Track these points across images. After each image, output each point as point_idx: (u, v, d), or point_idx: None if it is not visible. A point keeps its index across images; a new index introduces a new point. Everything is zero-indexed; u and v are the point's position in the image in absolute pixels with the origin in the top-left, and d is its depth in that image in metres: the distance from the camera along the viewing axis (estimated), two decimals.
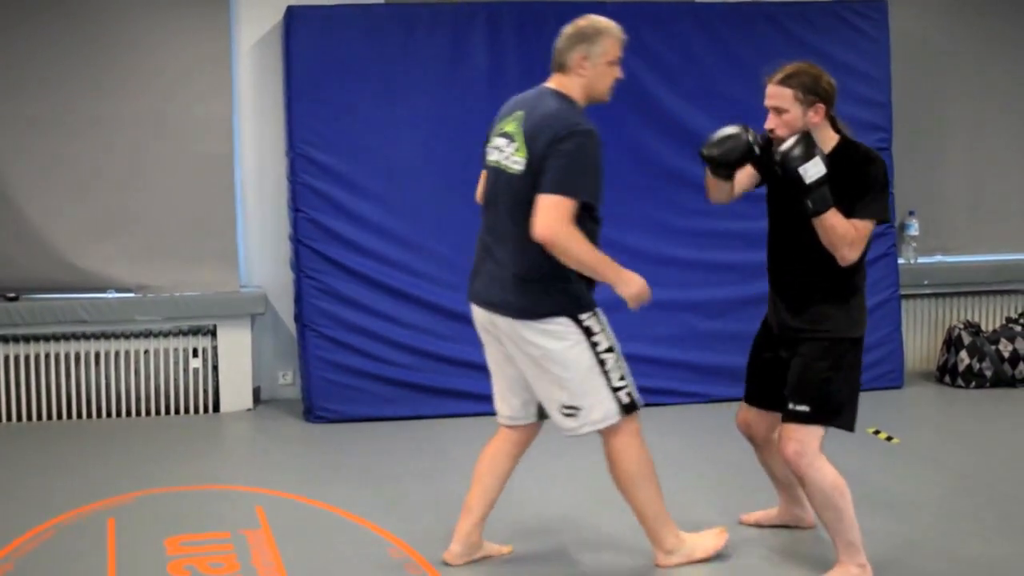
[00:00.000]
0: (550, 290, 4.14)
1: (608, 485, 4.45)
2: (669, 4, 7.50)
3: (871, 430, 6.48)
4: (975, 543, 4.76)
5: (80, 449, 6.43)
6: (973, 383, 7.67)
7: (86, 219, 7.11)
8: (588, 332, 4.16)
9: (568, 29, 4.27)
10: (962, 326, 7.84)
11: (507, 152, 4.18)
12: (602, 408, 4.19)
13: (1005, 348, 7.69)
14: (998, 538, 4.82)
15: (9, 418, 7.01)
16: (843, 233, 4.11)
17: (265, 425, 7.01)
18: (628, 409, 4.22)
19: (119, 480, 5.76)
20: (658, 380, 7.22)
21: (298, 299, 7.09)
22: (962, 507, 5.22)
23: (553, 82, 4.27)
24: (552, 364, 4.16)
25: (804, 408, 4.23)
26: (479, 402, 7.01)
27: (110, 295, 7.13)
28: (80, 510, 5.27)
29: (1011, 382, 7.68)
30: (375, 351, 7.04)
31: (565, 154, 4.00)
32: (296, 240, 7.05)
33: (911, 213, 8.05)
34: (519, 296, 4.15)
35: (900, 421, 6.80)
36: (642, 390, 7.12)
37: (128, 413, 7.14)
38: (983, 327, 8.05)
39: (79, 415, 7.08)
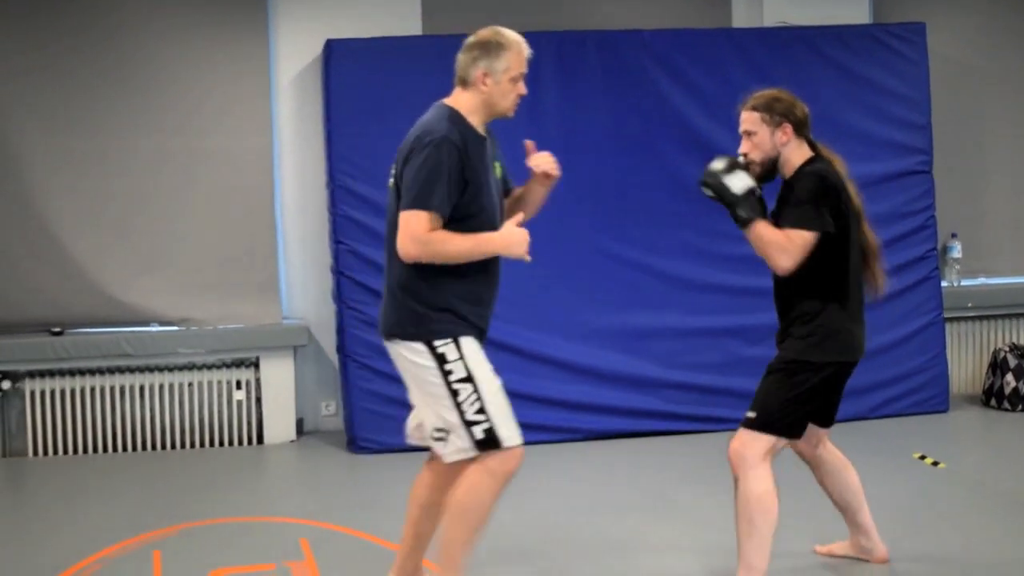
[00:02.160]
0: (409, 313, 4.00)
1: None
2: (705, 31, 7.51)
3: (917, 455, 6.42)
4: None
5: (125, 482, 6.47)
6: (1020, 406, 7.59)
7: (129, 254, 7.18)
8: (441, 360, 3.97)
9: (471, 40, 4.09)
10: (1008, 348, 7.76)
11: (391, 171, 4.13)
12: (459, 439, 3.97)
13: None
14: None
15: (56, 451, 7.07)
16: (771, 240, 4.26)
17: (309, 456, 7.03)
18: (484, 445, 3.94)
19: (164, 513, 5.78)
20: (704, 408, 7.21)
21: (340, 330, 7.11)
22: (1011, 532, 5.15)
23: (451, 96, 4.13)
24: (417, 384, 4.06)
25: (751, 414, 4.37)
26: (521, 431, 7.03)
27: (153, 329, 7.19)
28: (126, 543, 5.29)
29: None
30: None
31: (414, 167, 3.92)
32: (337, 272, 7.08)
33: (953, 235, 7.99)
34: (392, 314, 4.05)
35: (946, 446, 6.74)
36: (689, 418, 7.19)
37: (172, 446, 7.18)
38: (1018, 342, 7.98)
39: (123, 448, 7.13)
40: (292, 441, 7.29)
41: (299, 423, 7.44)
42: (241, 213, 7.30)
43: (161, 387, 7.18)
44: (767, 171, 4.43)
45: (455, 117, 4.02)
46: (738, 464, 4.31)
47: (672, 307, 7.34)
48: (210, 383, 7.25)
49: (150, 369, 7.17)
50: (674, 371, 7.28)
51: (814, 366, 4.32)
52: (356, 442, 7.01)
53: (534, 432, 7.05)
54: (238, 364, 7.28)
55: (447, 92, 7.07)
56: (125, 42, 7.16)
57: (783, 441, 4.36)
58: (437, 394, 3.98)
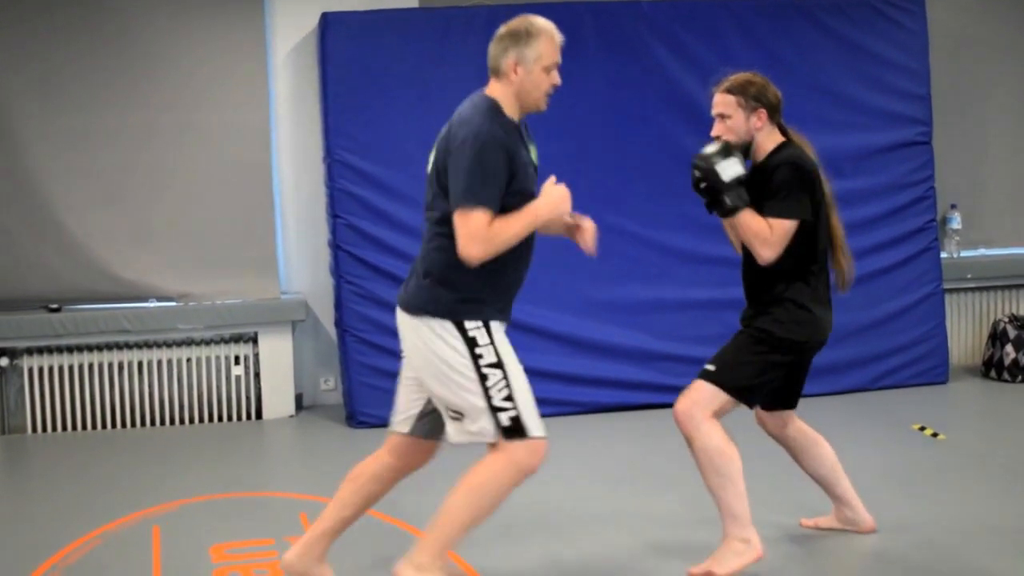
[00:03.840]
0: (441, 293, 3.95)
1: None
2: (705, 2, 7.46)
3: (916, 426, 6.42)
4: None
5: (124, 458, 6.47)
6: (1020, 377, 7.58)
7: (126, 230, 7.16)
8: (472, 343, 3.92)
9: (501, 31, 3.99)
10: (1007, 319, 7.75)
11: (430, 159, 4.09)
12: (478, 424, 3.93)
13: None
14: None
15: (54, 428, 7.07)
16: (757, 231, 4.30)
17: (307, 431, 7.03)
18: (509, 433, 3.91)
19: (163, 488, 5.78)
20: None
21: (338, 305, 7.10)
22: (1011, 503, 5.15)
23: (488, 87, 4.04)
24: (436, 363, 3.98)
25: (710, 367, 4.41)
26: None
27: (152, 304, 7.18)
28: (125, 519, 5.29)
29: None
30: None
31: (460, 165, 3.84)
32: (335, 246, 7.06)
33: (953, 207, 7.97)
34: (422, 292, 4.00)
35: (945, 417, 6.74)
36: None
37: (171, 421, 7.18)
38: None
39: (122, 424, 7.13)
40: (291, 416, 7.29)
41: (298, 398, 7.43)
42: (238, 188, 7.28)
43: (159, 363, 7.17)
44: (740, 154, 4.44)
45: (495, 109, 3.94)
46: (686, 423, 4.35)
47: (671, 280, 7.33)
48: (208, 359, 7.24)
49: (148, 345, 7.16)
50: (673, 343, 7.27)
51: (782, 343, 4.36)
52: (355, 417, 7.01)
53: None
54: (236, 339, 7.28)
55: (443, 65, 7.13)
56: (120, 17, 7.12)
57: (730, 404, 4.38)
58: (463, 377, 3.91)
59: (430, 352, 3.98)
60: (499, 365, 3.91)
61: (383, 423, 6.91)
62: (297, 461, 6.69)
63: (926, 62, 7.56)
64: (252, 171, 7.31)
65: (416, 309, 4.00)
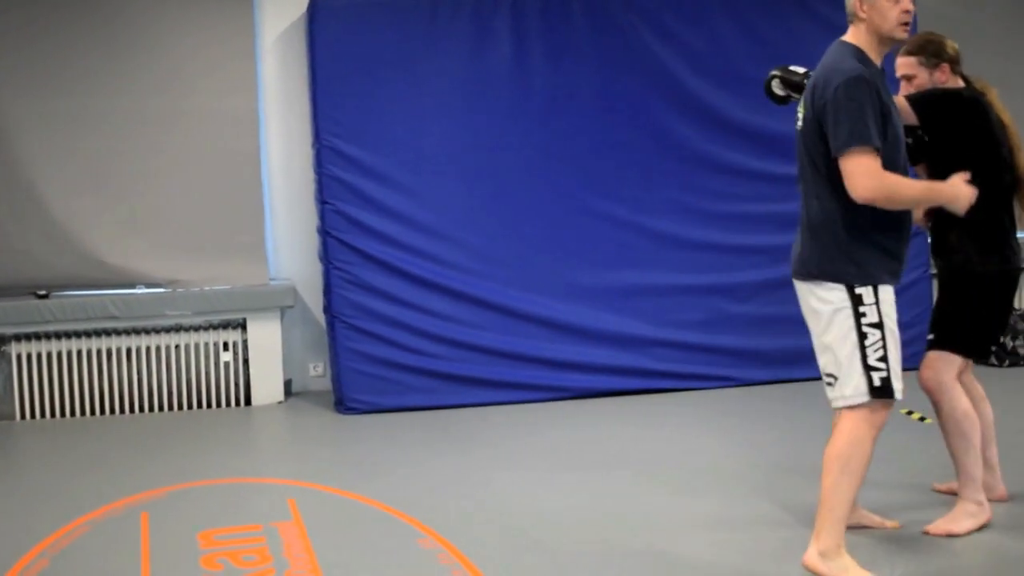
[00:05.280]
0: (829, 254, 4.01)
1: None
2: None
3: (904, 411, 6.44)
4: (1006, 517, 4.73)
5: (112, 445, 6.46)
6: (1007, 361, 7.61)
7: (114, 216, 7.15)
8: (858, 301, 3.98)
9: None
10: None
11: (798, 115, 4.15)
12: (851, 384, 4.00)
13: None
14: None
15: (43, 415, 7.07)
16: None
17: (296, 417, 7.03)
18: (878, 393, 3.98)
19: (152, 475, 5.78)
20: (689, 365, 7.23)
21: (327, 291, 7.10)
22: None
23: (847, 34, 4.14)
24: (820, 326, 4.08)
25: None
26: (509, 390, 7.06)
27: (140, 291, 7.17)
28: (113, 505, 5.29)
29: None
30: (405, 341, 7.04)
31: (837, 108, 3.89)
32: (324, 232, 7.05)
33: None
34: (806, 254, 4.07)
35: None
36: (676, 376, 7.21)
37: (160, 408, 7.18)
38: (1016, 305, 7.98)
39: (111, 411, 7.12)
40: (280, 402, 7.29)
41: (287, 384, 7.43)
42: (227, 174, 7.27)
43: (148, 349, 7.17)
44: None
45: (857, 53, 4.02)
46: (934, 389, 4.56)
47: (659, 265, 7.33)
48: (197, 345, 7.23)
49: (136, 331, 7.15)
50: (661, 329, 7.28)
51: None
52: (344, 402, 7.01)
53: (523, 391, 7.10)
54: (225, 326, 7.27)
55: (431, 51, 7.12)
56: (108, 3, 7.10)
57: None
58: (843, 335, 3.99)
59: (814, 316, 4.12)
60: (879, 326, 4.00)
61: (372, 409, 6.97)
62: (286, 447, 6.69)
63: None
64: (241, 157, 7.29)
65: (803, 274, 4.12)
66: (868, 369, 3.97)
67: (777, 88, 4.50)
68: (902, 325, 4.32)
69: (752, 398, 6.96)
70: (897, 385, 3.99)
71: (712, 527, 4.71)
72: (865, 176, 3.84)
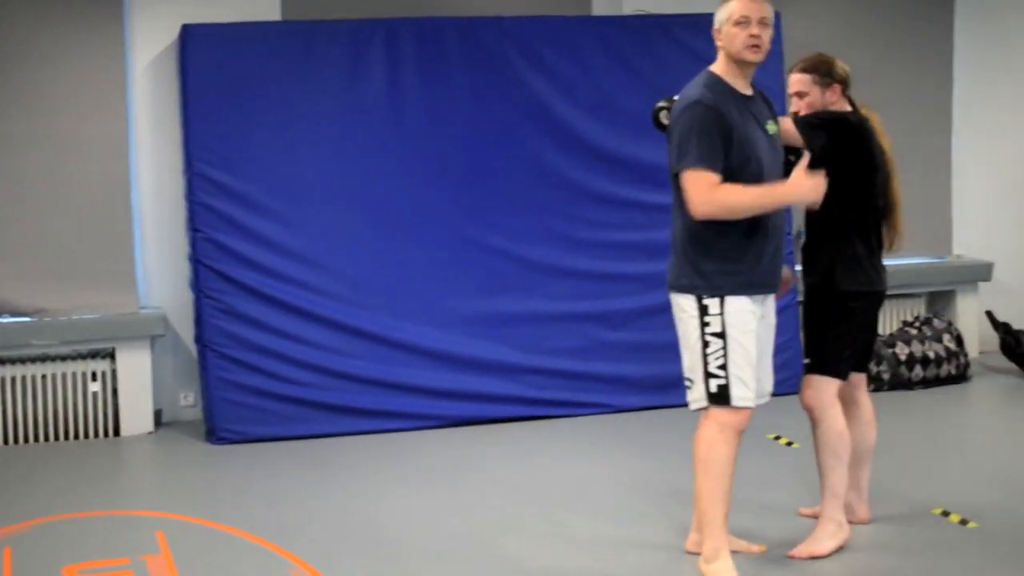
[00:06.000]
0: (683, 265, 4.31)
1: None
2: (565, 18, 7.56)
3: (771, 436, 6.56)
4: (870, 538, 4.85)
5: None
6: (872, 386, 7.79)
7: None
8: (704, 311, 4.27)
9: None
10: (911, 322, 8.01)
11: None
12: (699, 389, 4.32)
13: (902, 351, 7.84)
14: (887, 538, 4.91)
15: None
16: None
17: (167, 448, 6.92)
18: (714, 399, 4.28)
19: (16, 508, 5.65)
20: (564, 392, 7.28)
21: (198, 320, 7.01)
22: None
23: (714, 63, 4.43)
24: (680, 333, 4.39)
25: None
26: (383, 419, 7.04)
27: (5, 320, 7.01)
28: None
29: (908, 384, 7.83)
30: (277, 370, 6.98)
31: (675, 132, 4.24)
32: (195, 260, 6.97)
33: None
34: (669, 267, 4.39)
35: (800, 426, 6.85)
36: (551, 403, 7.25)
37: (26, 439, 7.01)
38: (880, 331, 8.18)
39: None
40: (150, 433, 7.17)
41: (157, 414, 7.32)
42: (96, 199, 7.14)
43: (14, 380, 7.00)
44: None
45: (709, 79, 4.32)
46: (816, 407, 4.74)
47: (534, 293, 7.37)
48: (64, 375, 7.08)
49: (1, 361, 6.98)
50: (536, 356, 7.32)
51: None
52: (215, 432, 6.92)
53: (396, 419, 7.08)
54: (93, 355, 7.13)
55: (306, 78, 7.11)
56: None
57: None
58: (692, 343, 4.30)
59: (679, 324, 4.44)
60: (722, 336, 4.28)
61: (244, 438, 6.90)
62: (155, 478, 6.59)
63: (780, 76, 7.72)
64: (110, 182, 7.17)
65: (668, 286, 4.47)
66: (708, 376, 4.28)
67: (664, 119, 4.60)
68: (774, 351, 4.47)
69: (627, 424, 7.03)
70: (737, 392, 4.26)
71: (592, 548, 4.77)
72: (696, 194, 4.18)
